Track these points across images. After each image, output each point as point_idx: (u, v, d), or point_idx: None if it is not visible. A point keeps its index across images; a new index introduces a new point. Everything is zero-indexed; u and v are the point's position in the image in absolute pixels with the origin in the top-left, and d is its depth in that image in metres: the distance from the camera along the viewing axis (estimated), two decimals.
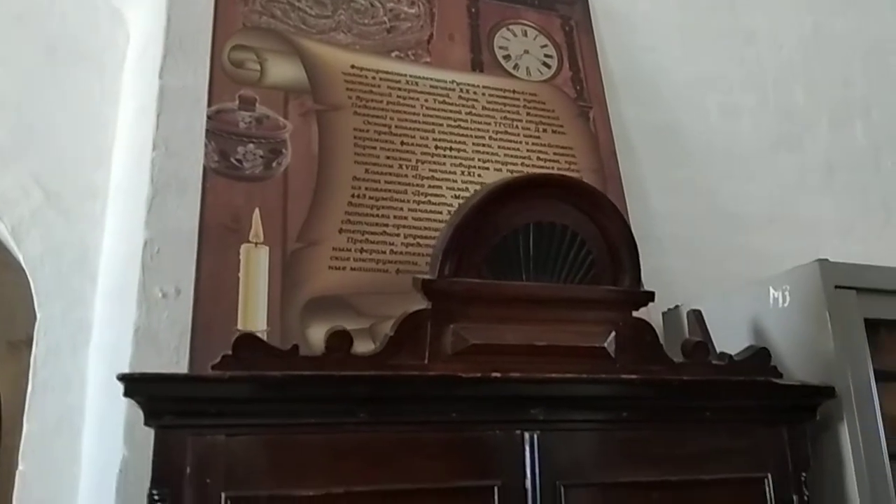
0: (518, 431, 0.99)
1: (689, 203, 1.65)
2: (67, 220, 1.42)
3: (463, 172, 1.42)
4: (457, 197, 1.38)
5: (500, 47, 1.58)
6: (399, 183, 1.37)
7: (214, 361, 0.91)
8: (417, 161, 1.40)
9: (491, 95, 1.52)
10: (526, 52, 1.60)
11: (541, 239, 1.09)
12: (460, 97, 1.49)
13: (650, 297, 1.12)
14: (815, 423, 1.13)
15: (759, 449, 1.10)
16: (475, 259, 1.05)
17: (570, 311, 1.08)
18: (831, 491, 1.11)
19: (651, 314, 1.25)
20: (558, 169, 1.49)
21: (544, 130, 1.53)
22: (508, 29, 1.61)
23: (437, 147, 1.43)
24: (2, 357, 2.43)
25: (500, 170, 1.45)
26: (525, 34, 1.62)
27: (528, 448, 0.99)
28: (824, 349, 1.15)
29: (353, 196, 1.32)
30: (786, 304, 1.22)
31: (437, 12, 1.55)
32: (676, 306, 1.42)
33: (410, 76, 1.47)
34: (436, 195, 1.38)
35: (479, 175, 1.43)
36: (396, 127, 1.41)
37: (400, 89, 1.45)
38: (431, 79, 1.48)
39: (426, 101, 1.46)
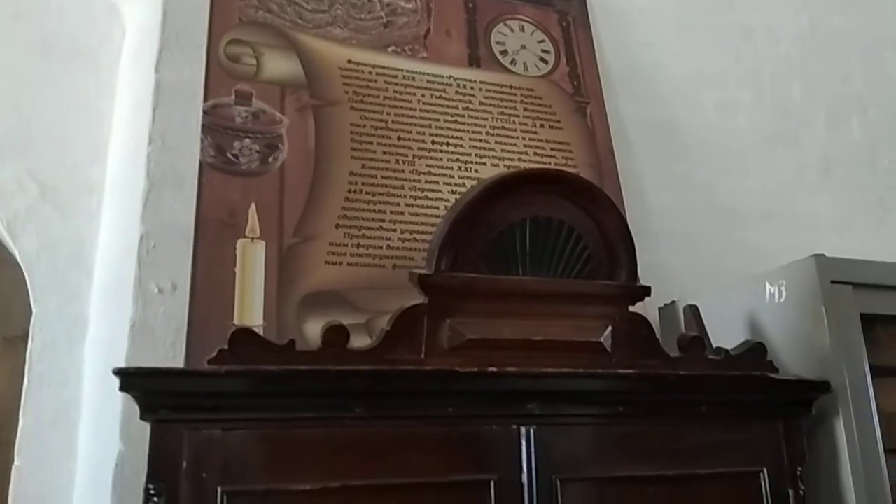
0: (514, 426, 0.99)
1: (686, 198, 1.65)
2: (63, 214, 1.42)
3: (460, 168, 1.42)
4: (454, 192, 1.37)
5: (497, 42, 1.58)
6: (396, 178, 1.37)
7: (211, 356, 0.91)
8: (414, 156, 1.40)
9: (488, 91, 1.52)
10: (523, 47, 1.60)
11: (537, 234, 1.08)
12: (457, 92, 1.49)
13: (647, 292, 1.12)
14: (810, 417, 1.13)
15: (755, 443, 1.10)
16: (472, 254, 1.05)
17: (567, 306, 1.08)
18: (827, 485, 1.12)
19: (647, 309, 1.25)
20: (555, 164, 1.49)
21: (541, 126, 1.53)
22: (505, 24, 1.61)
23: (433, 142, 1.42)
24: None
25: (496, 165, 1.44)
26: (522, 29, 1.62)
27: (524, 442, 0.99)
28: (820, 344, 1.15)
29: (349, 191, 1.32)
30: (782, 300, 1.22)
31: (434, 7, 1.55)
32: (673, 301, 1.42)
33: (407, 71, 1.47)
34: (433, 190, 1.38)
35: (476, 170, 1.43)
36: (393, 122, 1.41)
37: (397, 84, 1.45)
38: (428, 74, 1.48)
39: (423, 96, 1.46)
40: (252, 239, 1.23)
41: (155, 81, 1.31)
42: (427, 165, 1.40)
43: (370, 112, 1.40)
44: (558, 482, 0.98)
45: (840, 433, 1.11)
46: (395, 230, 1.32)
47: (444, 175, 1.41)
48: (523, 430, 0.99)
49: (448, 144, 1.43)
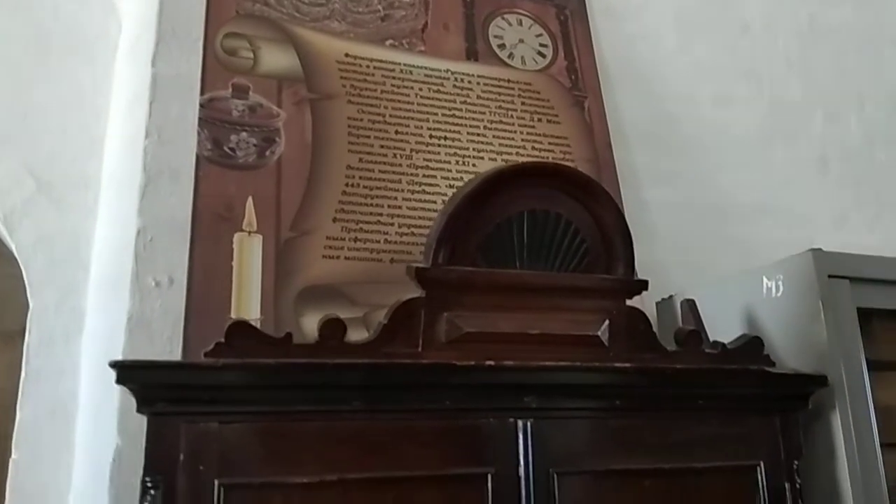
0: (511, 419, 0.99)
1: (684, 193, 1.65)
2: (60, 208, 1.42)
3: (457, 162, 1.42)
4: (451, 186, 1.37)
5: (495, 36, 1.57)
6: (393, 172, 1.36)
7: (207, 349, 0.91)
8: (412, 150, 1.40)
9: (486, 85, 1.52)
10: (521, 41, 1.59)
11: (535, 227, 1.08)
12: (455, 86, 1.49)
13: (644, 285, 1.12)
14: (807, 411, 1.13)
15: (751, 437, 1.10)
16: (469, 247, 1.05)
17: (564, 300, 1.08)
18: (823, 479, 1.12)
19: (645, 304, 1.25)
20: (553, 159, 1.48)
21: (539, 120, 1.53)
22: (503, 18, 1.60)
23: (431, 136, 1.42)
24: None
25: (494, 159, 1.44)
26: (520, 23, 1.62)
27: (521, 436, 0.99)
28: (817, 338, 1.15)
29: (346, 185, 1.32)
30: (779, 294, 1.22)
31: (432, 1, 1.55)
32: (670, 296, 1.42)
33: (405, 65, 1.46)
34: (430, 185, 1.38)
35: (474, 164, 1.42)
36: (391, 116, 1.41)
37: (394, 78, 1.44)
38: (426, 68, 1.48)
39: (421, 90, 1.45)
40: (249, 233, 1.23)
41: (151, 75, 1.31)
42: (425, 159, 1.40)
43: (367, 106, 1.40)
44: (555, 475, 0.98)
45: (836, 427, 1.11)
46: (392, 224, 1.32)
47: (442, 169, 1.40)
48: (520, 423, 0.99)
49: (446, 138, 1.43)
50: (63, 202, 1.42)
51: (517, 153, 1.47)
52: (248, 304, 1.18)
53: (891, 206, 1.85)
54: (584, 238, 1.11)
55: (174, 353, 1.13)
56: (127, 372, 0.87)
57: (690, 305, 1.23)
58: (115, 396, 1.10)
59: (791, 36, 1.95)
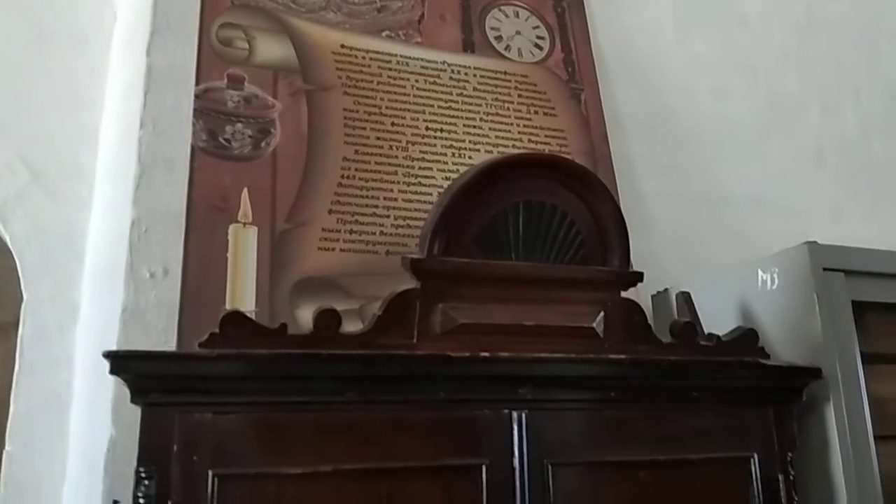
0: (506, 410, 0.99)
1: (680, 186, 1.65)
2: (54, 199, 1.41)
3: (454, 154, 1.42)
4: (447, 179, 1.37)
5: (492, 28, 1.57)
6: (389, 164, 1.36)
7: (202, 339, 0.91)
8: (408, 142, 1.39)
9: (482, 77, 1.51)
10: (518, 33, 1.59)
11: (530, 218, 1.08)
12: (451, 78, 1.48)
13: (639, 277, 1.12)
14: (801, 403, 1.14)
15: (745, 429, 1.11)
16: (464, 238, 1.04)
17: (559, 291, 1.07)
18: (817, 471, 1.12)
19: (640, 297, 1.25)
20: (549, 151, 1.48)
21: (535, 112, 1.52)
22: (500, 10, 1.60)
23: (427, 128, 1.42)
24: None
25: (490, 151, 1.44)
26: (517, 15, 1.61)
27: (516, 427, 0.99)
28: (812, 331, 1.15)
29: (342, 177, 1.32)
30: (774, 287, 1.22)
31: None
32: (666, 289, 1.42)
33: (401, 56, 1.46)
34: (426, 177, 1.38)
35: (470, 157, 1.42)
36: (387, 108, 1.40)
37: (390, 69, 1.44)
38: (422, 59, 1.47)
39: (417, 81, 1.45)
40: (244, 224, 1.22)
41: (146, 65, 1.30)
42: (421, 152, 1.39)
43: (363, 97, 1.39)
44: (550, 467, 0.99)
45: (831, 419, 1.12)
46: (388, 216, 1.32)
47: (438, 161, 1.40)
48: (515, 414, 0.99)
49: (442, 131, 1.43)
50: (57, 193, 1.41)
51: (513, 145, 1.47)
52: (243, 296, 1.18)
53: (887, 199, 1.86)
54: (580, 229, 1.11)
55: (169, 345, 1.13)
56: (121, 362, 0.87)
57: (686, 298, 1.23)
58: (110, 388, 1.09)
59: (788, 29, 1.95)
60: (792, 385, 1.14)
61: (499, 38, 1.57)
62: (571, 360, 1.03)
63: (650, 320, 1.16)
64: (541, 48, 1.60)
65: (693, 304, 1.23)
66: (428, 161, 1.39)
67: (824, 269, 1.17)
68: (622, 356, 1.07)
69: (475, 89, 1.49)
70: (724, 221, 1.66)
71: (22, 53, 1.47)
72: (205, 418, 0.88)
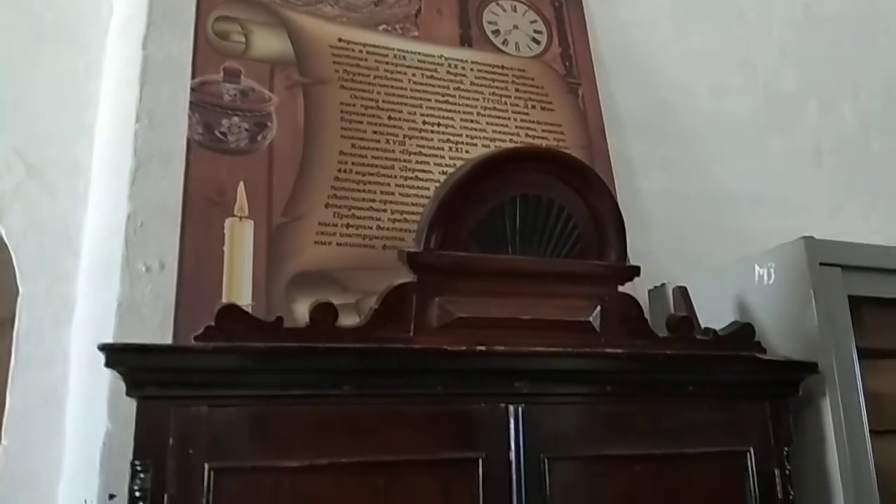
0: (503, 404, 0.99)
1: (677, 182, 1.65)
2: (50, 194, 1.40)
3: (451, 148, 1.42)
4: (444, 173, 1.37)
5: (490, 22, 1.57)
6: (386, 158, 1.36)
7: (197, 332, 0.90)
8: (405, 136, 1.39)
9: (479, 71, 1.51)
10: (515, 27, 1.59)
11: (527, 212, 1.08)
12: (448, 72, 1.48)
13: (636, 271, 1.12)
14: (797, 398, 1.14)
15: (742, 423, 1.11)
16: (461, 232, 1.04)
17: (556, 285, 1.07)
18: (813, 465, 1.12)
19: (637, 292, 1.25)
20: (546, 146, 1.48)
21: (533, 107, 1.52)
22: (498, 4, 1.59)
23: (424, 122, 1.42)
24: None
25: (487, 146, 1.44)
26: (514, 9, 1.61)
27: (512, 421, 0.99)
28: (808, 326, 1.15)
29: (339, 171, 1.31)
30: (771, 281, 1.22)
31: None
32: (663, 284, 1.42)
33: (398, 50, 1.45)
34: (423, 171, 1.38)
35: (467, 151, 1.42)
36: (384, 101, 1.40)
37: (387, 63, 1.43)
38: (419, 53, 1.47)
39: (414, 75, 1.45)
40: (240, 218, 1.22)
41: (142, 58, 1.29)
42: (418, 146, 1.39)
43: (360, 91, 1.39)
44: (546, 460, 0.99)
45: (827, 414, 1.12)
46: (385, 210, 1.32)
47: (435, 156, 1.40)
48: (511, 408, 0.99)
49: (439, 125, 1.43)
50: (53, 188, 1.40)
51: (510, 140, 1.47)
52: (239, 290, 1.18)
53: (885, 196, 1.86)
54: (577, 224, 1.11)
55: (165, 339, 1.13)
56: (116, 355, 0.87)
57: (682, 292, 1.23)
58: (106, 382, 1.09)
59: (786, 25, 1.94)
60: (788, 380, 1.14)
61: (496, 33, 1.57)
62: (568, 355, 1.03)
63: (647, 315, 1.16)
64: (538, 42, 1.60)
65: (690, 299, 1.23)
66: (425, 155, 1.39)
67: (821, 264, 1.17)
68: (619, 350, 1.07)
69: (472, 83, 1.49)
70: (721, 217, 1.66)
71: (17, 48, 1.46)
72: (200, 411, 0.88)
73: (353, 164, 1.33)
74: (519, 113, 1.50)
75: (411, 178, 1.36)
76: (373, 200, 1.32)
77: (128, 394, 0.87)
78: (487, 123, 1.47)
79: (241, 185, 1.24)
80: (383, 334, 0.98)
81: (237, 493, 0.88)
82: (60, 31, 1.48)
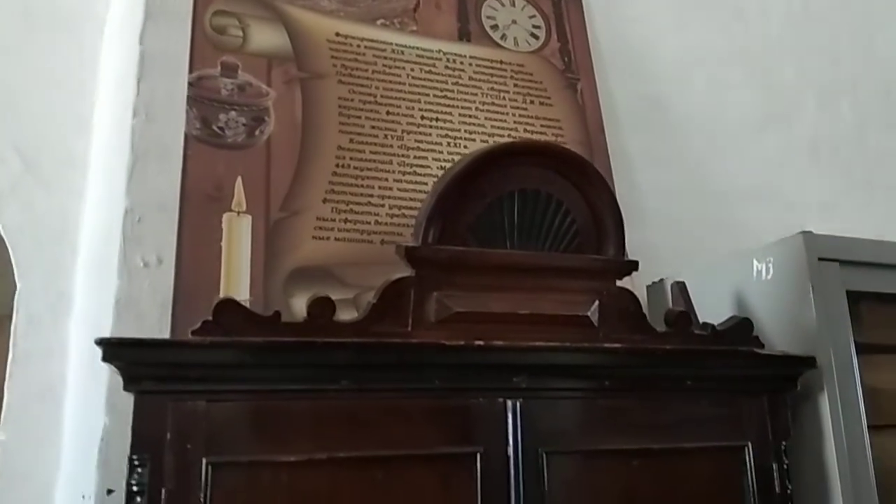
0: (501, 399, 0.99)
1: (676, 177, 1.65)
2: (47, 189, 1.40)
3: (449, 143, 1.41)
4: (442, 168, 1.36)
5: (488, 17, 1.56)
6: (384, 153, 1.35)
7: (195, 327, 0.90)
8: (403, 131, 1.39)
9: (478, 66, 1.50)
10: (514, 22, 1.58)
11: (525, 207, 1.08)
12: (447, 67, 1.47)
13: (634, 266, 1.12)
14: (795, 393, 1.14)
15: (740, 418, 1.11)
16: (459, 226, 1.04)
17: (555, 280, 1.07)
18: (811, 460, 1.12)
19: (635, 287, 1.25)
20: (545, 140, 1.48)
21: (531, 102, 1.52)
22: None
23: (422, 117, 1.41)
24: None
25: (486, 141, 1.43)
26: (513, 4, 1.60)
27: (510, 415, 0.99)
28: (806, 321, 1.15)
29: (337, 166, 1.31)
30: (769, 276, 1.22)
31: None
32: (661, 279, 1.42)
33: (396, 45, 1.45)
34: (421, 166, 1.37)
35: (465, 146, 1.42)
36: (382, 96, 1.40)
37: (385, 58, 1.43)
38: (418, 48, 1.46)
39: (412, 70, 1.44)
40: (238, 213, 1.22)
41: (139, 53, 1.29)
42: (416, 141, 1.39)
43: (358, 86, 1.38)
44: (544, 455, 0.99)
45: (825, 409, 1.12)
46: (383, 205, 1.32)
47: (433, 151, 1.40)
48: (510, 403, 0.99)
49: (437, 120, 1.42)
50: (50, 183, 1.40)
51: (509, 135, 1.46)
52: (237, 285, 1.18)
53: (882, 191, 1.86)
54: (575, 218, 1.10)
55: (163, 334, 1.12)
56: (113, 349, 0.86)
57: (681, 287, 1.23)
58: (104, 377, 1.09)
59: (784, 20, 1.94)
60: (786, 374, 1.14)
61: (495, 28, 1.56)
62: (566, 349, 1.03)
63: (645, 310, 1.16)
64: (537, 37, 1.59)
65: (688, 294, 1.22)
66: (423, 150, 1.39)
67: (819, 259, 1.17)
68: (617, 345, 1.07)
69: (471, 78, 1.49)
70: (719, 212, 1.66)
71: (14, 42, 1.45)
72: (198, 406, 0.88)
73: (351, 158, 1.32)
74: (517, 108, 1.50)
75: (409, 173, 1.36)
76: (371, 195, 1.31)
77: (125, 388, 0.87)
78: (486, 118, 1.46)
79: (239, 179, 1.23)
80: (381, 329, 0.98)
81: (235, 487, 0.88)
82: (57, 25, 1.47)
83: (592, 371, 1.06)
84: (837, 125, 1.91)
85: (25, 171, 1.39)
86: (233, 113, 1.27)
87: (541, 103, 1.53)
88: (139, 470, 0.85)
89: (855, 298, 1.19)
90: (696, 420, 1.09)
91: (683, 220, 1.61)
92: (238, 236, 1.20)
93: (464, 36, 1.52)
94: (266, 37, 1.36)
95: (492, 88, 1.49)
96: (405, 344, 0.98)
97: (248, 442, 0.90)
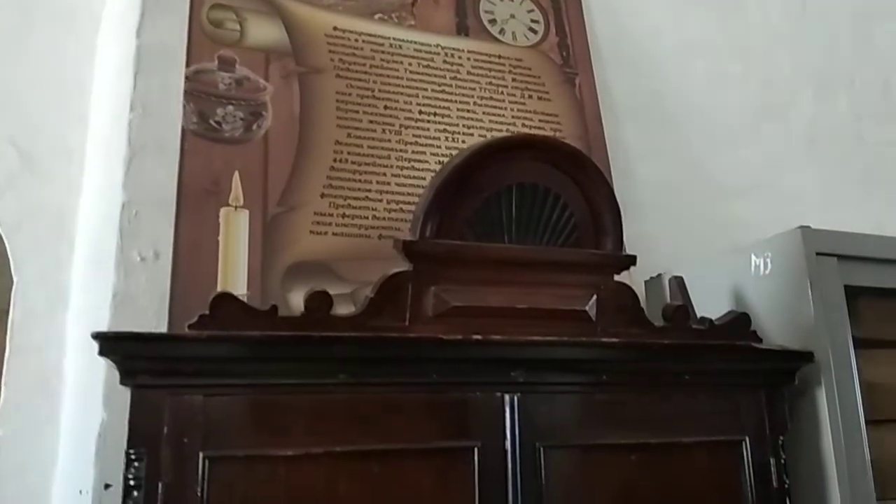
0: (498, 393, 0.99)
1: (674, 171, 1.65)
2: (44, 183, 1.39)
3: (447, 138, 1.41)
4: (440, 163, 1.36)
5: (486, 11, 1.56)
6: (382, 148, 1.35)
7: (191, 321, 0.90)
8: (401, 126, 1.38)
9: (476, 60, 1.50)
10: (512, 16, 1.58)
11: (523, 201, 1.08)
12: (445, 62, 1.47)
13: (632, 260, 1.12)
14: (793, 387, 1.14)
15: (737, 412, 1.11)
16: (457, 220, 1.04)
17: (552, 274, 1.07)
18: (808, 454, 1.13)
19: (633, 282, 1.25)
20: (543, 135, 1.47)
21: (529, 96, 1.52)
22: None
23: (420, 112, 1.41)
24: None
25: (484, 136, 1.43)
26: None
27: (508, 410, 0.99)
28: (804, 315, 1.15)
29: (335, 160, 1.31)
30: (767, 271, 1.22)
31: None
32: (659, 274, 1.42)
33: (394, 39, 1.44)
34: (419, 161, 1.37)
35: (464, 141, 1.41)
36: (380, 91, 1.39)
37: (383, 52, 1.42)
38: (416, 42, 1.46)
39: (410, 64, 1.44)
40: (236, 207, 1.21)
41: (136, 47, 1.28)
42: (414, 135, 1.39)
43: (356, 80, 1.38)
44: (542, 449, 0.99)
45: (822, 403, 1.12)
46: (381, 200, 1.31)
47: (431, 145, 1.39)
48: (507, 397, 0.99)
49: (435, 114, 1.42)
50: (47, 177, 1.39)
51: (507, 130, 1.46)
52: (234, 280, 1.18)
53: (880, 186, 1.86)
54: (573, 212, 1.10)
55: (160, 329, 1.12)
56: (110, 343, 0.86)
57: (678, 282, 1.23)
58: (101, 372, 1.09)
59: (783, 14, 1.94)
60: (784, 369, 1.14)
61: (493, 22, 1.56)
62: (564, 343, 1.03)
63: (643, 305, 1.15)
64: (535, 32, 1.59)
65: (686, 289, 1.22)
66: (421, 145, 1.38)
67: (817, 254, 1.17)
68: (615, 339, 1.07)
69: (469, 73, 1.48)
70: (717, 207, 1.66)
71: (10, 36, 1.45)
72: (195, 400, 0.88)
73: (348, 153, 1.32)
74: (516, 102, 1.50)
75: (407, 168, 1.35)
76: (369, 190, 1.31)
77: (122, 382, 0.87)
78: (484, 113, 1.46)
79: (237, 174, 1.23)
80: (379, 323, 0.98)
81: (232, 481, 0.88)
82: (54, 19, 1.47)
83: (590, 365, 1.06)
84: (835, 119, 1.90)
85: (22, 165, 1.39)
86: (230, 107, 1.27)
87: (539, 98, 1.52)
88: (136, 464, 0.85)
89: (853, 293, 1.19)
90: (693, 414, 1.09)
91: (681, 214, 1.61)
92: (235, 231, 1.20)
93: (462, 30, 1.52)
94: (263, 31, 1.35)
95: (490, 83, 1.49)
96: (403, 338, 0.98)
97: (246, 436, 0.90)
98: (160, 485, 0.85)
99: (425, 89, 1.43)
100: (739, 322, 1.16)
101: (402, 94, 1.41)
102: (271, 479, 0.89)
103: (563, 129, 1.51)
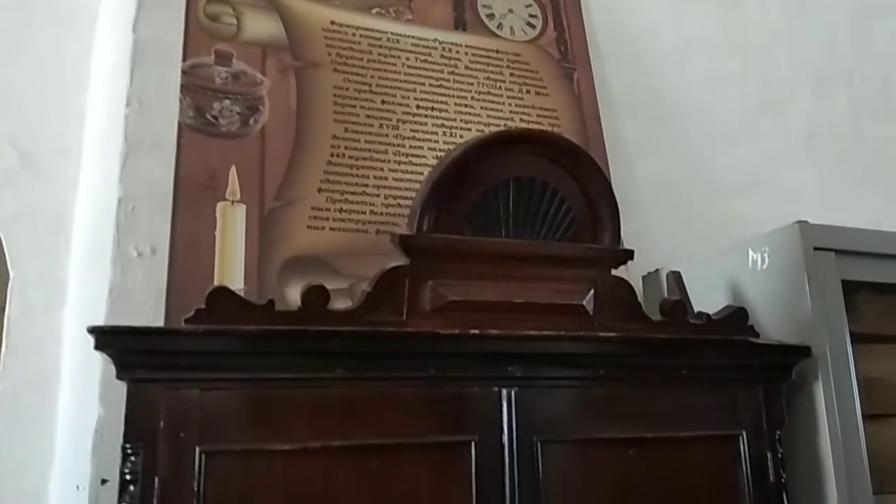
0: (496, 388, 0.99)
1: (672, 167, 1.65)
2: (41, 179, 1.39)
3: (444, 133, 1.41)
4: (438, 157, 1.35)
5: (484, 6, 1.55)
6: (379, 143, 1.35)
7: (188, 315, 0.90)
8: (398, 120, 1.38)
9: (474, 55, 1.50)
10: (510, 11, 1.57)
11: (520, 195, 1.07)
12: (443, 56, 1.47)
13: (629, 255, 1.12)
14: (790, 382, 1.14)
15: (734, 407, 1.11)
16: (454, 215, 1.04)
17: (550, 269, 1.07)
18: (805, 449, 1.13)
19: (631, 277, 1.24)
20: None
21: (527, 91, 1.51)
22: None
23: (418, 107, 1.41)
24: None
25: (482, 130, 1.43)
26: None
27: (505, 404, 0.99)
28: (802, 310, 1.15)
29: (332, 155, 1.30)
30: (765, 266, 1.22)
31: None
32: (657, 270, 1.42)
33: (392, 33, 1.44)
34: (417, 155, 1.37)
35: (461, 136, 1.41)
36: (377, 85, 1.39)
37: (381, 47, 1.42)
38: (413, 37, 1.46)
39: (408, 59, 1.43)
40: (232, 202, 1.21)
41: (132, 41, 1.28)
42: (411, 130, 1.38)
43: (353, 75, 1.38)
44: (539, 443, 0.99)
45: (819, 398, 1.12)
46: (378, 195, 1.31)
47: (429, 140, 1.39)
48: (504, 391, 0.99)
49: (433, 109, 1.42)
50: (44, 172, 1.39)
51: (505, 124, 1.46)
52: (231, 275, 1.17)
53: (878, 181, 1.86)
54: (571, 207, 1.10)
55: (157, 324, 1.12)
56: (105, 338, 0.86)
57: (676, 277, 1.23)
58: (98, 367, 1.09)
59: (782, 10, 1.93)
60: (781, 363, 1.14)
61: (491, 16, 1.55)
62: (561, 338, 1.03)
63: (640, 300, 1.15)
64: (533, 27, 1.58)
65: (683, 284, 1.22)
66: (419, 140, 1.38)
67: (815, 249, 1.17)
68: (612, 334, 1.07)
69: (467, 67, 1.48)
70: (715, 202, 1.66)
71: (9, 35, 1.44)
72: (191, 394, 0.88)
73: (346, 148, 1.32)
74: (513, 97, 1.49)
75: (405, 163, 1.35)
76: (366, 185, 1.31)
77: (118, 377, 0.87)
78: (482, 108, 1.46)
79: (233, 168, 1.23)
80: (376, 317, 0.98)
81: (229, 476, 0.87)
82: (53, 19, 1.46)
83: (587, 360, 1.06)
84: (834, 116, 1.90)
85: (19, 160, 1.38)
86: (227, 102, 1.27)
87: (537, 93, 1.52)
88: (132, 458, 0.85)
89: (850, 288, 1.19)
90: (690, 409, 1.09)
91: (679, 209, 1.61)
92: (232, 226, 1.20)
93: (460, 25, 1.51)
94: (260, 25, 1.35)
95: (488, 78, 1.49)
96: (400, 333, 0.98)
97: (242, 430, 0.90)
98: (156, 479, 0.84)
99: (423, 84, 1.43)
100: (737, 317, 1.16)
101: (399, 88, 1.40)
102: (268, 474, 0.89)
103: (561, 124, 1.51)
